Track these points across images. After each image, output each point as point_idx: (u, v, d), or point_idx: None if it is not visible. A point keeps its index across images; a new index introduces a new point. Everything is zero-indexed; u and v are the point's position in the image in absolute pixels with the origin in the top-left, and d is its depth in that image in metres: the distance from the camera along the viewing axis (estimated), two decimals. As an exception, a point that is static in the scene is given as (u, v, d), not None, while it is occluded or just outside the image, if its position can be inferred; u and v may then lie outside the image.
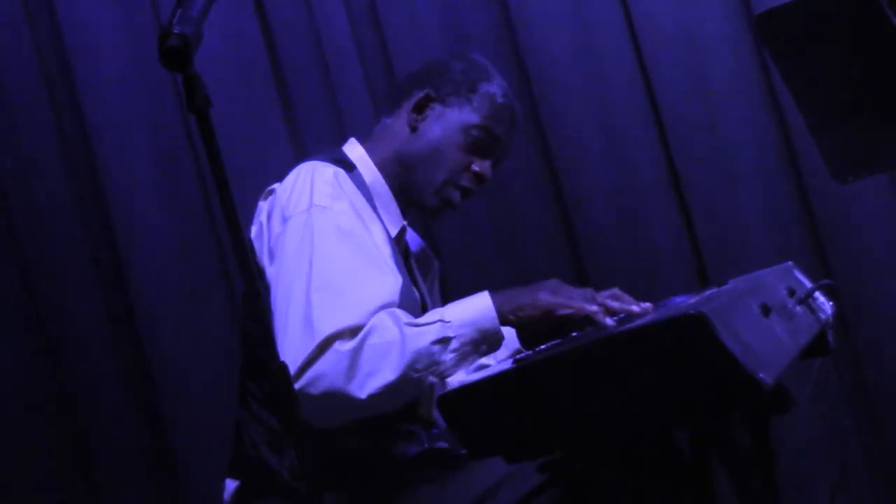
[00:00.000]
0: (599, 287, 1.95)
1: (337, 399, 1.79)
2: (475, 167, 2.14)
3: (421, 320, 1.84)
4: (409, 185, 2.14)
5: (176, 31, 1.37)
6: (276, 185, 2.03)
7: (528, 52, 3.03)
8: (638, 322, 1.53)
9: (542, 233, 3.05)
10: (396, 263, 2.01)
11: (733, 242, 2.93)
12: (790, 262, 2.12)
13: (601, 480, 1.72)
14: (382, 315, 1.85)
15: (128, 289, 3.00)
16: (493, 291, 1.88)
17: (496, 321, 1.84)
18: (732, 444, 1.72)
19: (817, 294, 1.96)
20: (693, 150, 2.97)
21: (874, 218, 2.87)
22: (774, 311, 1.66)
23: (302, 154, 2.78)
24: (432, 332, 1.81)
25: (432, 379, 1.82)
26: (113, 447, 2.97)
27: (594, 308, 1.83)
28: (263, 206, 2.03)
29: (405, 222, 2.15)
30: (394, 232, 2.09)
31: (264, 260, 1.96)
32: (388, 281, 1.91)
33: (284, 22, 3.08)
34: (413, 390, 1.84)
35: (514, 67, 3.06)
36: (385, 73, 3.11)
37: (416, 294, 2.11)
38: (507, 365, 1.63)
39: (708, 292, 1.90)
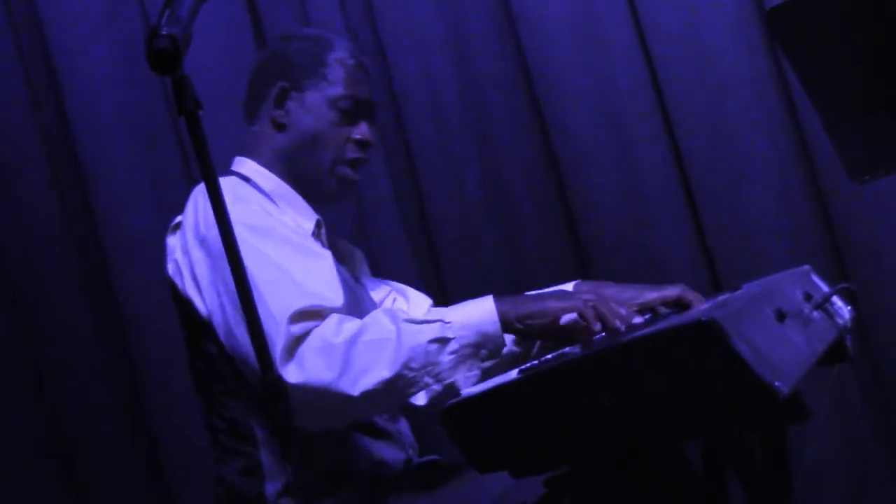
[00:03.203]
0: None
1: (328, 397, 1.79)
2: (356, 135, 2.17)
3: (420, 318, 1.85)
4: (302, 179, 2.16)
5: (164, 33, 1.38)
6: (180, 218, 2.04)
7: (530, 51, 3.03)
8: (648, 329, 1.53)
9: (545, 237, 3.06)
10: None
11: (746, 246, 2.93)
12: (806, 266, 2.11)
13: (610, 496, 1.72)
14: (378, 313, 1.87)
15: (116, 300, 3.01)
16: (498, 296, 1.88)
17: (498, 326, 1.85)
18: (746, 457, 1.73)
19: (835, 299, 1.96)
20: (702, 150, 2.97)
21: (893, 218, 2.87)
22: (790, 317, 1.66)
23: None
24: (431, 331, 1.82)
25: (429, 380, 1.82)
26: (104, 462, 2.99)
27: (589, 312, 1.83)
28: (174, 241, 2.03)
29: (319, 217, 2.17)
30: (309, 228, 2.12)
31: (189, 292, 1.97)
32: (325, 265, 1.95)
33: (277, 20, 3.10)
34: (408, 391, 1.84)
35: (516, 68, 3.06)
36: (381, 72, 3.12)
37: (348, 275, 2.15)
38: (512, 375, 1.63)
39: (720, 298, 1.90)
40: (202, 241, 1.94)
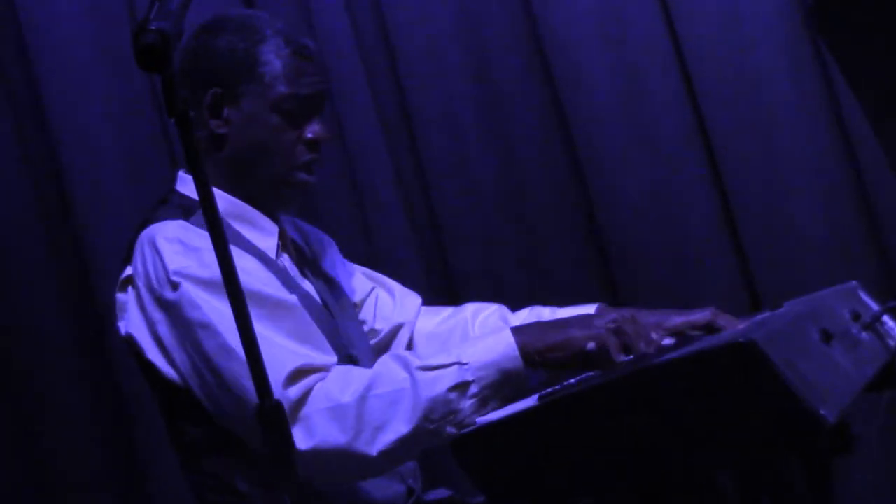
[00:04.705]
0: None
1: (344, 460, 1.79)
2: (308, 135, 2.08)
3: (434, 362, 1.82)
4: (254, 192, 2.09)
5: (153, 27, 1.38)
6: (129, 271, 2.00)
7: (550, 45, 3.04)
8: (681, 351, 1.53)
9: (567, 247, 3.05)
10: (287, 281, 2.03)
11: (787, 259, 2.92)
12: (854, 282, 2.11)
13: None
14: (387, 360, 1.85)
15: (99, 317, 3.02)
16: (516, 328, 1.87)
17: (520, 362, 1.82)
18: (787, 490, 1.72)
19: (886, 318, 1.96)
20: (739, 153, 2.96)
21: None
22: (836, 338, 1.66)
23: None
24: (449, 377, 1.79)
25: (450, 429, 1.79)
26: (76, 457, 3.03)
27: (611, 341, 1.81)
28: (128, 298, 2.00)
29: (280, 227, 2.13)
30: (272, 245, 2.09)
31: (151, 355, 1.95)
32: (297, 315, 1.92)
33: (274, 10, 3.10)
34: (429, 443, 1.83)
35: (535, 62, 3.07)
36: (387, 65, 3.12)
37: (318, 300, 2.11)
38: (531, 402, 1.62)
39: (760, 317, 1.90)
40: (158, 301, 1.92)
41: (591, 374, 1.77)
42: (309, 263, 2.21)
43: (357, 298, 2.30)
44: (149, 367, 1.96)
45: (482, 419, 1.67)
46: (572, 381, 1.73)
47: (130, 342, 1.98)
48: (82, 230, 3.05)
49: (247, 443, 1.89)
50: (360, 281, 2.35)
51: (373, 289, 2.35)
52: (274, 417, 1.45)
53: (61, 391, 3.05)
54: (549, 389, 1.70)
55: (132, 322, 1.97)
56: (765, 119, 2.96)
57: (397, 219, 3.08)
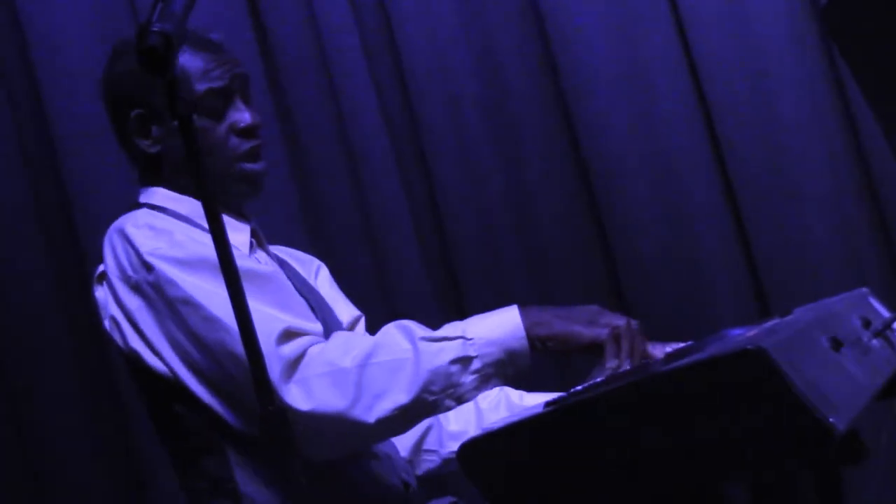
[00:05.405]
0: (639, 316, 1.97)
1: (341, 425, 1.80)
2: (240, 125, 2.07)
3: (439, 334, 1.85)
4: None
5: (156, 29, 1.39)
6: (102, 267, 2.01)
7: (558, 46, 3.04)
8: (689, 359, 1.53)
9: (575, 256, 3.06)
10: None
11: (797, 265, 2.93)
12: (864, 289, 2.11)
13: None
14: (391, 329, 1.87)
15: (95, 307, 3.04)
16: (524, 307, 1.89)
17: (525, 342, 1.85)
18: (797, 500, 1.72)
19: (896, 325, 1.96)
20: (750, 160, 2.97)
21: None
22: (847, 346, 1.66)
23: (298, 156, 2.81)
24: (452, 350, 1.82)
25: (450, 402, 1.82)
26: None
27: (611, 348, 1.86)
28: (105, 293, 2.01)
29: (251, 225, 2.13)
30: (245, 240, 2.09)
31: (134, 345, 1.95)
32: (277, 283, 1.94)
33: (278, 7, 3.10)
34: (427, 414, 1.86)
35: (542, 65, 3.07)
36: (391, 62, 3.12)
37: (297, 279, 2.13)
38: (538, 409, 1.63)
39: (769, 324, 1.90)
40: (136, 287, 1.93)
41: (597, 380, 1.78)
42: (288, 268, 2.21)
43: (340, 316, 2.28)
44: (132, 358, 1.96)
45: (487, 426, 1.68)
46: (578, 387, 1.74)
47: (111, 336, 1.99)
48: (81, 230, 3.06)
49: (242, 426, 1.89)
50: (349, 305, 2.34)
51: (361, 317, 2.34)
52: (276, 423, 1.46)
53: (58, 392, 3.07)
54: (555, 397, 1.71)
55: (109, 321, 1.98)
56: (775, 126, 2.97)
57: (401, 220, 3.09)
